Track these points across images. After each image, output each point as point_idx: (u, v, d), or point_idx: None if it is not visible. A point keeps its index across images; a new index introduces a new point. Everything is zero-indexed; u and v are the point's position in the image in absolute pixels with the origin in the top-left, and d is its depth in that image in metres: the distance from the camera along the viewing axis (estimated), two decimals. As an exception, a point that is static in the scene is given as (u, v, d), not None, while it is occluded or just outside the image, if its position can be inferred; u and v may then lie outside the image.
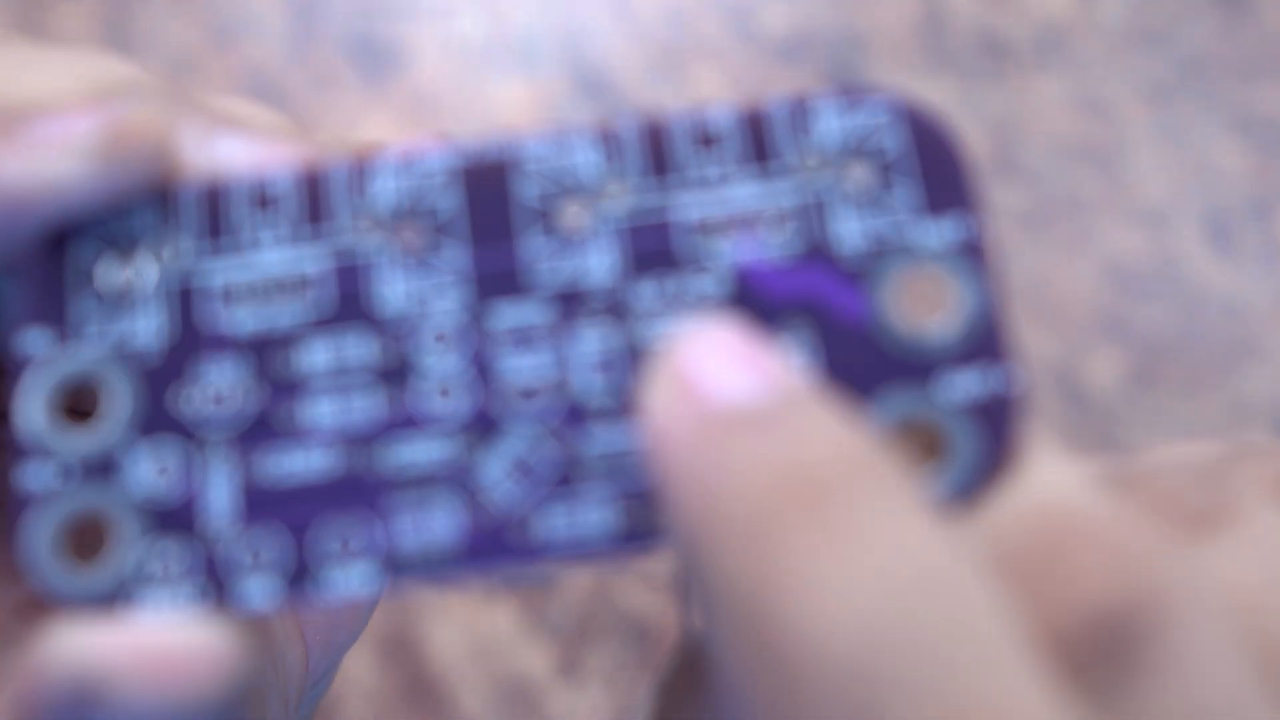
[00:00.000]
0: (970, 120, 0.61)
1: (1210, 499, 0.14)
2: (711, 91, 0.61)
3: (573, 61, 0.63)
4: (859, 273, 0.14)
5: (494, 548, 0.14)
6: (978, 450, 0.13)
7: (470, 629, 0.56)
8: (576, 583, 0.56)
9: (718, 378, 0.12)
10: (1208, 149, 0.59)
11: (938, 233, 0.14)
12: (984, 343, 0.14)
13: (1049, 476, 0.13)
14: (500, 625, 0.56)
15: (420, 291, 0.14)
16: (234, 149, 0.15)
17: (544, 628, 0.55)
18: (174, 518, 0.13)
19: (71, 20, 0.64)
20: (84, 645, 0.12)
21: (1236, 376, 0.57)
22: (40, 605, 0.16)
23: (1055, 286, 0.58)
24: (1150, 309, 0.58)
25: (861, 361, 0.14)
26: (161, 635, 0.13)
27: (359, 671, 0.54)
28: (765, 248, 0.14)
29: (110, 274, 0.14)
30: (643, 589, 0.55)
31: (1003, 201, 0.60)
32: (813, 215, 0.14)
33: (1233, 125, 0.60)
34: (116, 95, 0.15)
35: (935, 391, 0.14)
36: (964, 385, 0.14)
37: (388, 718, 0.58)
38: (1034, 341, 0.59)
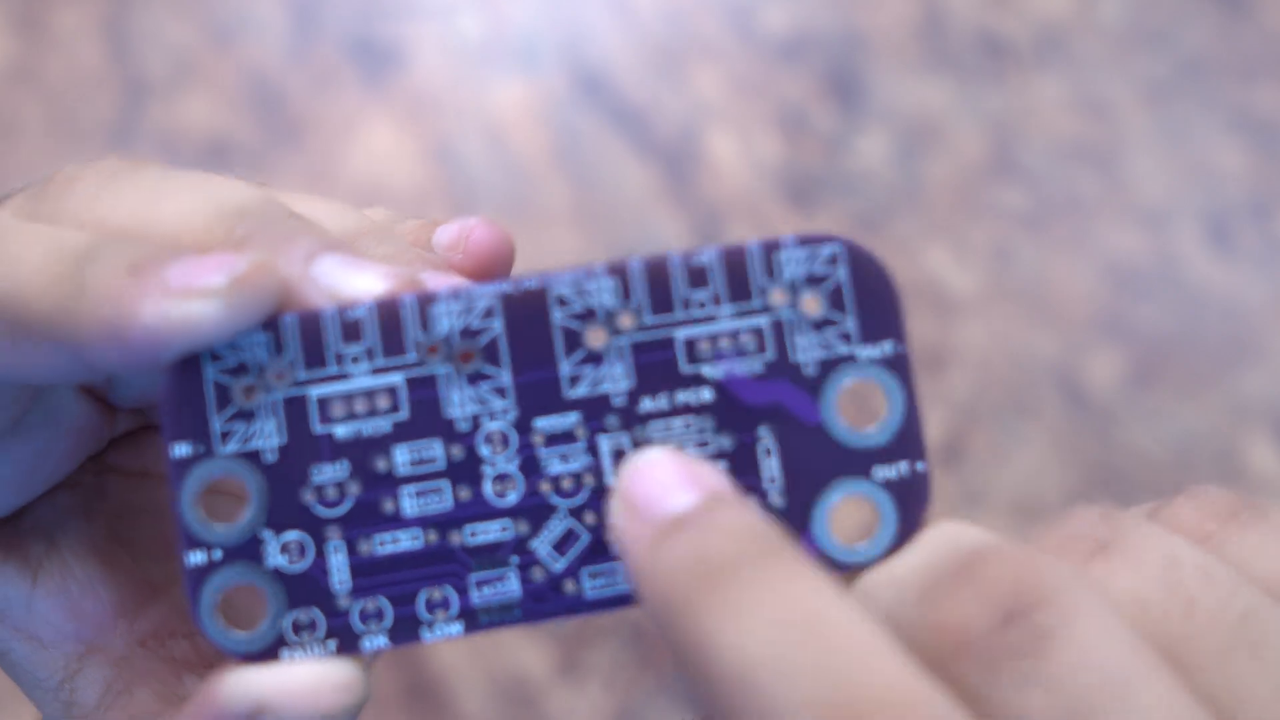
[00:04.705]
0: (970, 120, 0.61)
1: (1108, 534, 0.17)
2: (711, 91, 0.61)
3: (573, 61, 0.63)
4: (813, 383, 0.18)
5: (547, 602, 0.18)
6: (900, 517, 0.18)
7: (470, 629, 0.56)
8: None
9: (653, 496, 0.17)
10: (1207, 149, 0.59)
11: (874, 351, 0.18)
12: (906, 443, 0.18)
13: (960, 530, 0.17)
14: (500, 625, 0.56)
15: (478, 402, 0.18)
16: (330, 271, 0.18)
17: (543, 628, 0.55)
18: (303, 586, 0.18)
19: (72, 20, 0.64)
20: (251, 682, 0.17)
21: (1236, 376, 0.57)
22: (159, 637, 0.21)
23: (1055, 286, 0.58)
24: (1150, 309, 0.58)
25: (815, 455, 0.18)
26: (305, 673, 0.17)
27: (359, 671, 0.54)
28: (742, 364, 0.18)
29: (234, 392, 0.18)
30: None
31: (1003, 201, 0.60)
32: (779, 337, 0.18)
33: (1232, 125, 0.60)
34: (239, 226, 0.18)
35: (871, 478, 0.18)
36: (891, 473, 0.18)
37: (388, 718, 0.58)
38: (1034, 341, 0.59)
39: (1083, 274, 0.59)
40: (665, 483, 0.17)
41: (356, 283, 0.18)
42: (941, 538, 0.17)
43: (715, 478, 0.17)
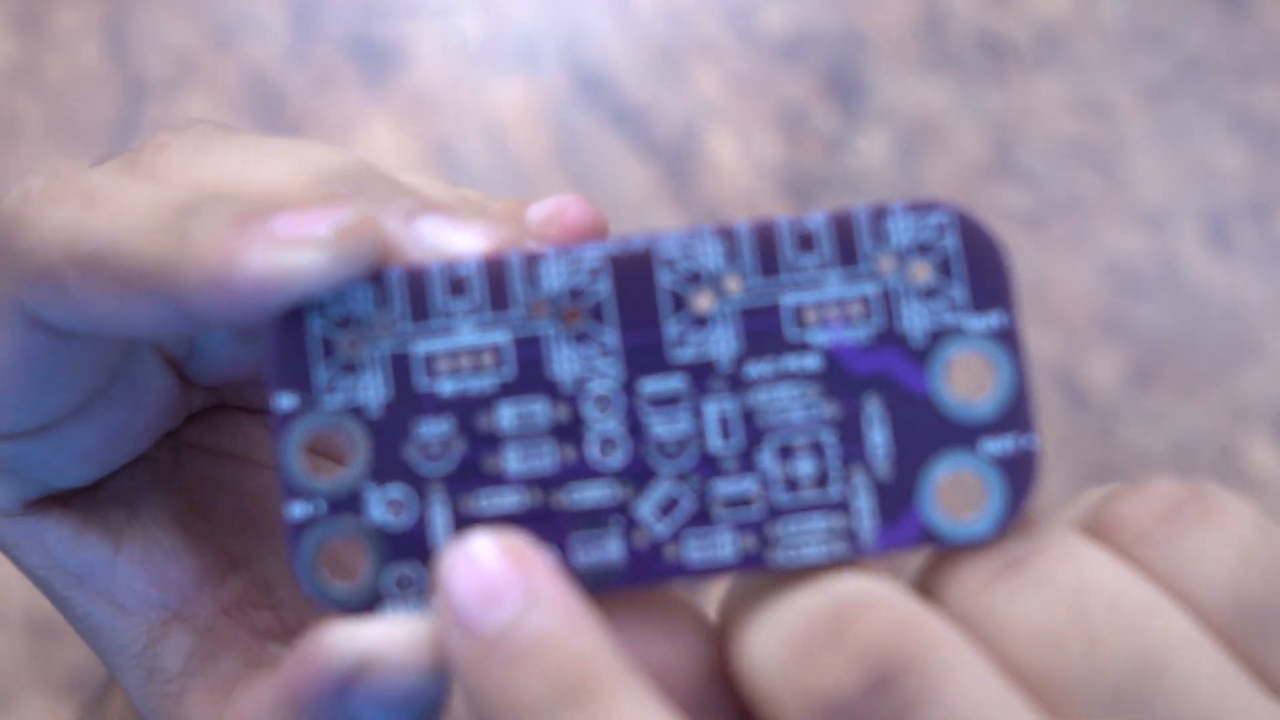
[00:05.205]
0: (970, 120, 0.61)
1: (1022, 550, 0.16)
2: (711, 91, 0.61)
3: (573, 61, 0.63)
4: (922, 354, 0.17)
5: (648, 567, 0.17)
6: (1008, 495, 0.17)
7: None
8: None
9: (474, 605, 0.16)
10: (1207, 149, 0.60)
11: (983, 323, 0.17)
12: (1016, 415, 0.17)
13: (845, 578, 0.16)
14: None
15: (584, 363, 0.18)
16: (433, 229, 0.18)
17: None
18: (406, 542, 0.17)
19: (72, 20, 0.64)
20: (356, 636, 0.17)
21: (1236, 376, 0.57)
22: (242, 607, 0.21)
23: (1055, 286, 0.59)
24: (1149, 309, 0.58)
25: (922, 426, 0.17)
26: (410, 627, 0.17)
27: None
28: (849, 332, 0.17)
29: (338, 345, 0.17)
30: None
31: (1003, 201, 0.60)
32: (887, 305, 0.17)
33: (1232, 125, 0.60)
34: (338, 188, 0.18)
35: (978, 452, 0.17)
36: (1000, 447, 0.17)
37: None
38: (1034, 341, 0.59)
39: (1083, 274, 0.59)
40: (488, 587, 0.16)
41: (459, 240, 0.18)
42: (825, 586, 0.16)
43: (540, 580, 0.17)
